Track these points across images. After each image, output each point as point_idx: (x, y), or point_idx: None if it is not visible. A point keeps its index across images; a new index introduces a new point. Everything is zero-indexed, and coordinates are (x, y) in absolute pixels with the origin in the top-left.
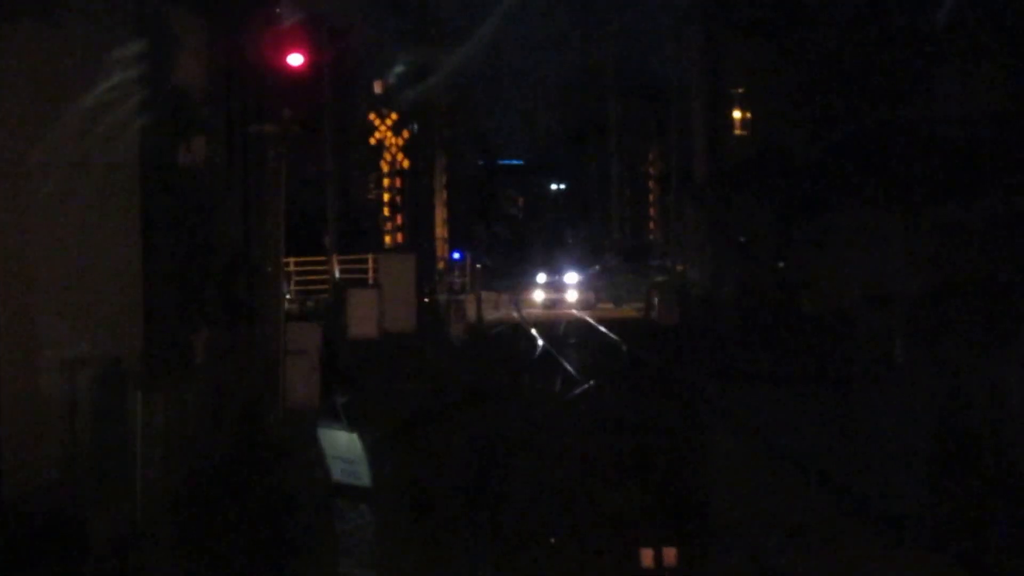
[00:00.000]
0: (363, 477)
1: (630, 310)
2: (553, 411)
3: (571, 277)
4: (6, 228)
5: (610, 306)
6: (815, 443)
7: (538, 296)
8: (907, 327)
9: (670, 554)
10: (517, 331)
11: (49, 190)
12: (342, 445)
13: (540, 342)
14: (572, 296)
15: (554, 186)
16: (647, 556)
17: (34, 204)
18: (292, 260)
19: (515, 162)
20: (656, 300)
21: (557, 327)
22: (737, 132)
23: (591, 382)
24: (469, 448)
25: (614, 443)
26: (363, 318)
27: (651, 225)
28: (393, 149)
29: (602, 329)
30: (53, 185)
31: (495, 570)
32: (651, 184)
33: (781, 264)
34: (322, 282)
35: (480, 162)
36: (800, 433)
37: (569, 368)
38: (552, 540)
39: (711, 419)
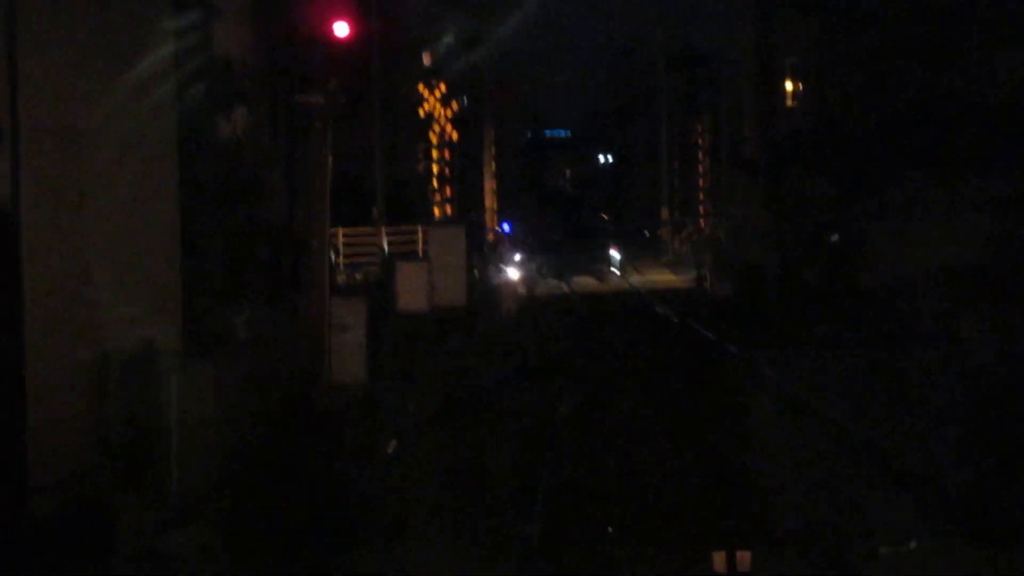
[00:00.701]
0: None
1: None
2: (606, 389)
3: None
4: (43, 204)
5: (554, 282)
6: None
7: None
8: (972, 301)
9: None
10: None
11: (82, 163)
12: None
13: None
14: (514, 274)
15: (602, 157)
16: (719, 559)
17: (70, 176)
18: (341, 231)
19: (562, 133)
20: (708, 271)
21: (602, 299)
22: (789, 103)
23: (646, 360)
24: (519, 427)
25: (673, 423)
26: (413, 291)
27: (700, 196)
28: (442, 120)
29: (649, 299)
30: (86, 158)
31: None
32: (700, 155)
33: (836, 236)
34: (371, 254)
35: (528, 133)
36: (868, 413)
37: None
38: (609, 529)
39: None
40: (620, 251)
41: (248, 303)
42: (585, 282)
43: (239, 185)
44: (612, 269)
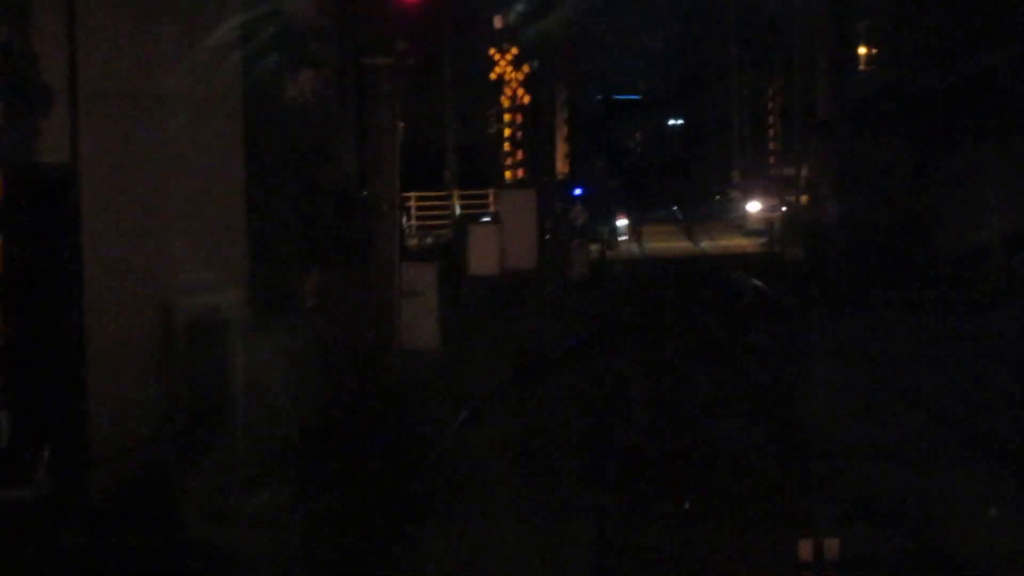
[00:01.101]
0: None
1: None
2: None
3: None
4: (105, 167)
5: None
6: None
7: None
8: None
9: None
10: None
11: (144, 125)
12: None
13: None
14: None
15: (671, 121)
16: (805, 548)
17: (132, 139)
18: (413, 195)
19: (632, 97)
20: (779, 235)
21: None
22: (863, 67)
23: (715, 326)
24: (593, 394)
25: (746, 394)
26: (484, 255)
27: (771, 160)
28: (513, 84)
29: (720, 264)
30: (148, 120)
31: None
32: (771, 118)
33: (911, 200)
34: (442, 217)
35: (599, 97)
36: (943, 380)
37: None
38: (686, 505)
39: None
40: (629, 218)
41: (316, 268)
42: (653, 246)
43: (306, 149)
44: (620, 238)
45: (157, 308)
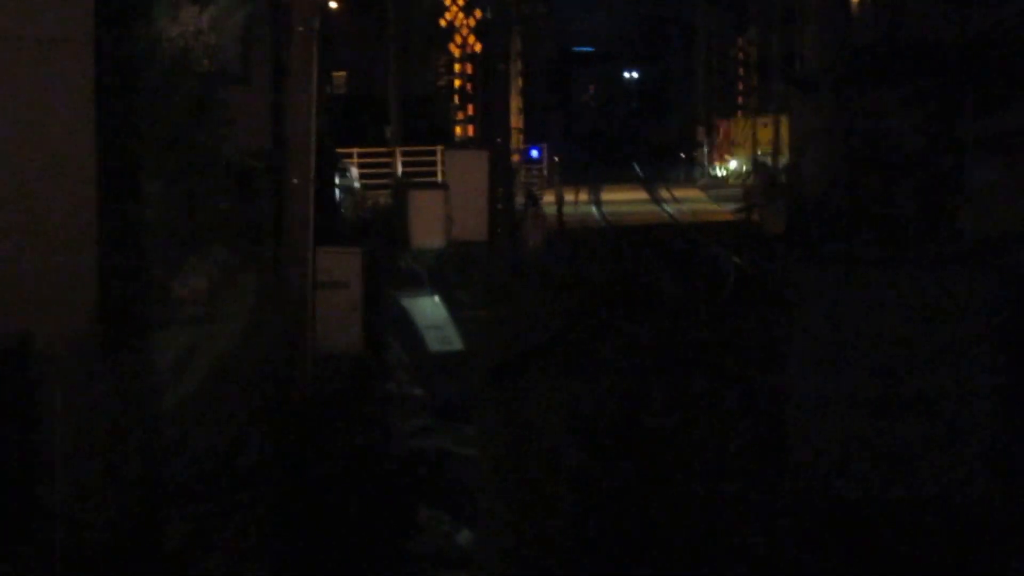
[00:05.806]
0: (454, 342)
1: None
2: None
3: None
4: None
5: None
6: None
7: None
8: None
9: None
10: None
11: None
12: (428, 313)
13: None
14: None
15: (630, 74)
16: None
17: None
18: (355, 151)
19: (585, 49)
20: (756, 202)
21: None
22: (856, 12)
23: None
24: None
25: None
26: (428, 225)
27: (740, 115)
28: (464, 31)
29: (694, 235)
30: None
31: None
32: (741, 71)
33: (924, 171)
34: (384, 176)
35: (555, 48)
36: None
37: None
38: None
39: None
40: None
41: (205, 263)
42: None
43: (191, 108)
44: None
45: None
